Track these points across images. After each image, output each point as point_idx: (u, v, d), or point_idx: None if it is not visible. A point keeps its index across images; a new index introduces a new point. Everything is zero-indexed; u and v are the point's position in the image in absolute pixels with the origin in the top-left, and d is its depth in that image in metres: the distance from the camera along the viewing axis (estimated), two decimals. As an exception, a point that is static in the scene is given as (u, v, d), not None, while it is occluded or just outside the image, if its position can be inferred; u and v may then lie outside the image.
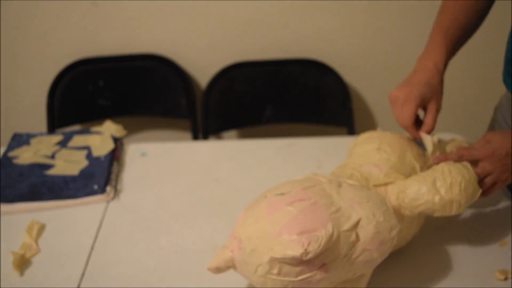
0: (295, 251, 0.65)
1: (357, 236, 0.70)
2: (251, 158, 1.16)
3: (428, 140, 0.89)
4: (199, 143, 1.45)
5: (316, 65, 1.66)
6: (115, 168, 1.11)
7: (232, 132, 1.81)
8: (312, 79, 1.68)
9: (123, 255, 0.89)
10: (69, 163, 1.11)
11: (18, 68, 1.67)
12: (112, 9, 1.59)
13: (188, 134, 1.75)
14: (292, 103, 1.70)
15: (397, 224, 0.74)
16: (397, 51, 1.66)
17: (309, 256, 0.65)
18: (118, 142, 1.19)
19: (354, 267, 0.71)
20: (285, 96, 1.70)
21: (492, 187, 0.83)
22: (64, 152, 1.15)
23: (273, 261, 0.66)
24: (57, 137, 1.20)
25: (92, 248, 0.91)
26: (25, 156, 1.13)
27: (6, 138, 1.23)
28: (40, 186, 1.03)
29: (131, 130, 1.77)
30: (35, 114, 1.71)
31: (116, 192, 1.05)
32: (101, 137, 1.18)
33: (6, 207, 0.99)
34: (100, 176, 1.06)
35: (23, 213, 0.99)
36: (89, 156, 1.13)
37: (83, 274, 0.85)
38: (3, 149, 1.17)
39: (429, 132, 0.89)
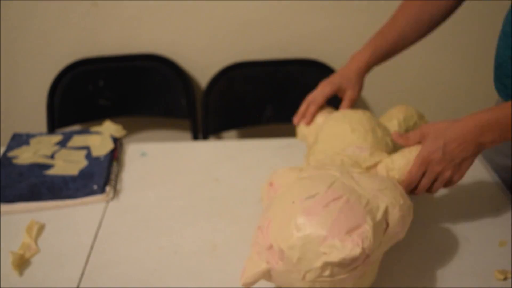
0: (354, 251, 0.65)
1: (387, 222, 0.72)
2: (251, 158, 1.16)
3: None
4: (199, 143, 1.45)
5: (316, 65, 1.66)
6: (114, 168, 1.11)
7: (232, 132, 1.81)
8: (312, 79, 1.66)
9: (123, 255, 0.89)
10: (69, 163, 1.11)
11: (18, 68, 1.67)
12: (112, 9, 1.60)
13: (188, 134, 1.75)
14: (292, 103, 1.68)
15: (410, 201, 0.76)
16: (397, 51, 1.66)
17: (367, 252, 0.66)
18: (117, 142, 1.19)
19: (381, 249, 0.72)
20: (285, 96, 1.69)
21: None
22: (63, 152, 1.14)
23: (326, 265, 0.66)
24: (56, 137, 1.20)
25: (91, 248, 0.90)
26: (24, 156, 1.13)
27: (6, 138, 1.23)
28: (39, 186, 1.03)
29: (131, 130, 1.77)
30: (35, 114, 1.71)
31: (116, 192, 1.05)
32: (101, 137, 1.18)
33: (5, 207, 0.99)
34: (100, 176, 1.06)
35: (23, 213, 0.99)
36: (88, 156, 1.13)
37: (82, 274, 0.85)
38: (2, 149, 1.17)
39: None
